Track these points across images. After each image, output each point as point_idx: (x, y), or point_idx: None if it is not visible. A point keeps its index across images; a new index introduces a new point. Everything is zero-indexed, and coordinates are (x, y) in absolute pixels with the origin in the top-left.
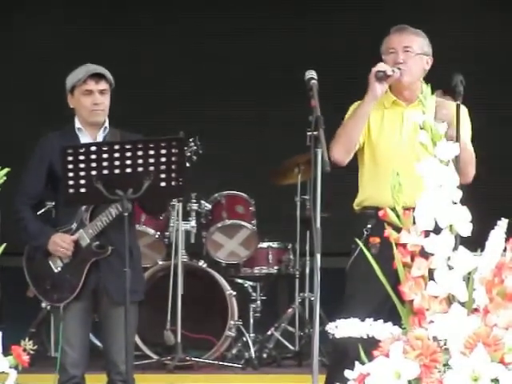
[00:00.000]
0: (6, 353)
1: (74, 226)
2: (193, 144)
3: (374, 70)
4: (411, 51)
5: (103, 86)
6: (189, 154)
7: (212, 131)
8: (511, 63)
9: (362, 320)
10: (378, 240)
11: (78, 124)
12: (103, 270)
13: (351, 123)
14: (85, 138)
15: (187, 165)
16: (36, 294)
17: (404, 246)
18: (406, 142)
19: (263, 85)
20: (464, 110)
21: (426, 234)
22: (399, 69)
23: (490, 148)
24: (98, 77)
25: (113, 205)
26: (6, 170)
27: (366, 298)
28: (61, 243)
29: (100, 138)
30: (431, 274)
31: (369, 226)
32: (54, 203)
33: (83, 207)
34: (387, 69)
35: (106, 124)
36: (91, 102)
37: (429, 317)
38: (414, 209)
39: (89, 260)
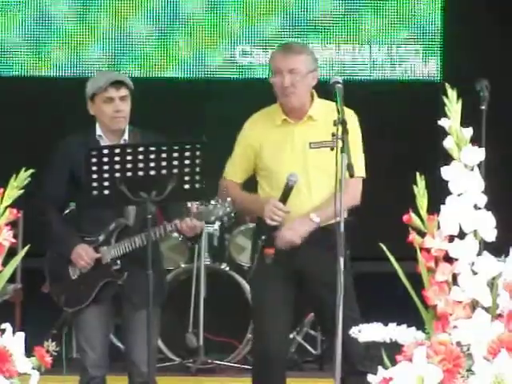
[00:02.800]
0: (29, 354)
1: (102, 238)
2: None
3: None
4: (297, 73)
5: (124, 92)
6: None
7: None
8: None
9: (270, 332)
10: (272, 251)
11: (98, 131)
12: (125, 279)
13: (248, 211)
14: (105, 144)
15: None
16: (50, 292)
17: (428, 250)
18: (296, 159)
19: None
20: (353, 117)
21: (451, 239)
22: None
23: None
24: (118, 84)
25: (139, 234)
26: (30, 171)
27: (269, 310)
28: (83, 257)
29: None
30: (455, 280)
31: (263, 237)
32: (76, 205)
33: (113, 225)
34: (279, 219)
35: (126, 134)
36: (113, 110)
37: (452, 322)
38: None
39: (103, 279)
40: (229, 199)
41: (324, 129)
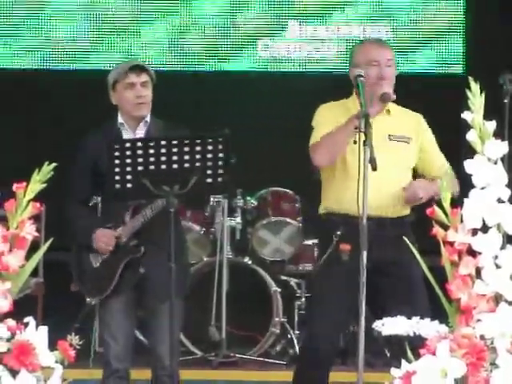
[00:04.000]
0: (52, 347)
1: (115, 223)
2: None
3: (381, 91)
4: (392, 65)
5: (144, 78)
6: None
7: (261, 128)
8: None
9: (338, 324)
10: (348, 247)
11: (120, 119)
12: (146, 267)
13: (341, 135)
14: (126, 132)
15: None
16: (78, 287)
17: (451, 244)
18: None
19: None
20: (421, 119)
21: (474, 232)
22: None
23: None
24: (139, 69)
25: (148, 206)
26: (54, 164)
27: (339, 302)
28: (102, 238)
29: (141, 132)
30: (479, 273)
31: (338, 232)
32: (101, 199)
33: (126, 205)
34: (390, 90)
35: (148, 118)
36: (134, 95)
37: (476, 315)
38: (377, 217)
39: (124, 258)
40: None
41: (402, 126)
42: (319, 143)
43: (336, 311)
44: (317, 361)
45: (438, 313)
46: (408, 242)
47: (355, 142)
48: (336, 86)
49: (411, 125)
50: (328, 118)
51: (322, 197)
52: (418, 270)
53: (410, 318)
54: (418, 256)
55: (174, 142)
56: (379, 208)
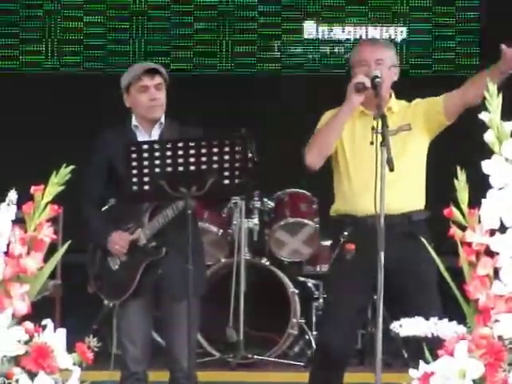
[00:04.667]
0: (70, 350)
1: (133, 225)
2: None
3: (354, 81)
4: (383, 64)
5: (158, 80)
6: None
7: (279, 129)
8: None
9: (347, 324)
10: (353, 247)
11: (134, 122)
12: (164, 268)
13: (326, 131)
14: (141, 134)
15: (249, 165)
16: (95, 289)
17: (469, 244)
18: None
19: None
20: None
21: (492, 233)
22: (378, 77)
23: None
24: (152, 72)
25: (169, 206)
26: (71, 167)
27: (348, 302)
28: (118, 241)
29: (155, 134)
30: (497, 274)
31: (345, 233)
32: (116, 200)
33: (143, 207)
34: (366, 80)
35: (162, 120)
36: (148, 98)
37: (494, 316)
38: (388, 216)
39: (144, 260)
40: None
41: (402, 119)
42: (310, 143)
43: (346, 311)
44: (329, 361)
45: (456, 313)
46: (424, 240)
47: (372, 143)
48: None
49: (405, 112)
50: (327, 121)
51: (335, 199)
52: (430, 268)
53: (421, 316)
54: (433, 254)
55: (191, 144)
56: (387, 205)
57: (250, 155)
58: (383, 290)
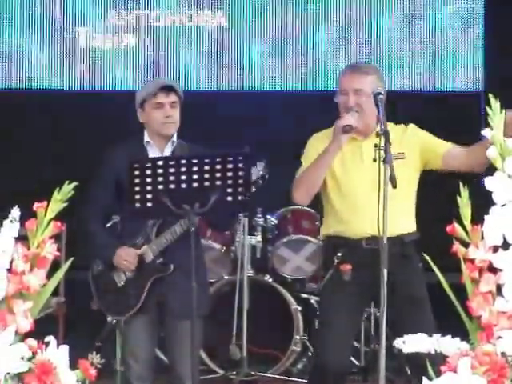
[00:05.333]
0: (73, 366)
1: (140, 240)
2: (261, 169)
3: (341, 124)
4: (362, 94)
5: (173, 98)
6: (255, 178)
7: (282, 146)
8: None
9: (340, 344)
10: (349, 267)
11: (146, 137)
12: (167, 286)
13: (314, 170)
14: (153, 151)
15: (253, 189)
16: (99, 306)
17: (472, 261)
18: (367, 175)
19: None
20: (408, 129)
21: (495, 249)
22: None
23: None
24: (167, 90)
25: (178, 222)
26: (74, 184)
27: (344, 323)
28: (125, 256)
29: (168, 151)
30: (499, 290)
31: (339, 254)
32: (120, 217)
33: (150, 223)
34: (352, 122)
35: (174, 138)
36: (163, 115)
37: (497, 332)
38: (377, 237)
39: (151, 276)
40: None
41: (398, 145)
42: (296, 182)
43: (343, 330)
44: (325, 379)
45: (458, 330)
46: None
47: (375, 160)
48: None
49: (401, 139)
50: (315, 150)
51: (323, 221)
52: (421, 289)
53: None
54: (437, 272)
55: (195, 161)
56: (377, 229)
57: (261, 173)
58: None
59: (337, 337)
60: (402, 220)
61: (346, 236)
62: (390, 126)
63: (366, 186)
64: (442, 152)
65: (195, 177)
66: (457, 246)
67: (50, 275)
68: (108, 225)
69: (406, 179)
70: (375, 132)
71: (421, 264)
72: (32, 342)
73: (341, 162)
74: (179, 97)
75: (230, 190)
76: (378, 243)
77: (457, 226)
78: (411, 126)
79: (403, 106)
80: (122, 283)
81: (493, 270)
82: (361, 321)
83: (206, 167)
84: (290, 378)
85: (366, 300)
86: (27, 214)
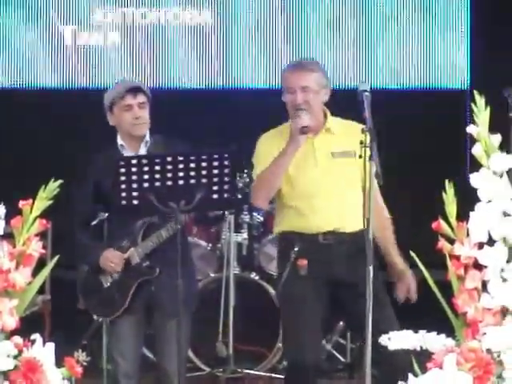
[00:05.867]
0: (59, 364)
1: (126, 243)
2: (246, 175)
3: (299, 125)
4: (309, 91)
5: (141, 99)
6: (241, 185)
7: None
8: None
9: (307, 341)
10: (305, 262)
11: (120, 141)
12: (156, 285)
13: (272, 174)
14: (127, 153)
15: (239, 196)
16: (85, 307)
17: (458, 258)
18: (321, 171)
19: None
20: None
21: (480, 246)
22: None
23: None
24: (135, 91)
25: (164, 227)
26: (59, 181)
27: (307, 317)
28: (111, 259)
29: (142, 152)
30: (485, 287)
31: (295, 249)
32: (106, 219)
33: (137, 226)
34: (310, 123)
35: (147, 137)
36: (132, 117)
37: (482, 329)
38: (334, 232)
39: (137, 279)
40: None
41: (344, 141)
42: (255, 186)
43: (308, 326)
44: (302, 377)
45: (444, 327)
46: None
47: (360, 157)
48: (336, 101)
49: (354, 136)
50: (266, 152)
51: (275, 219)
52: (378, 285)
53: (381, 331)
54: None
55: (180, 158)
56: (335, 223)
57: (245, 174)
58: (337, 304)
59: (303, 334)
60: (359, 216)
61: (302, 231)
62: (341, 122)
63: (320, 183)
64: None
65: (181, 174)
66: (442, 243)
67: (35, 273)
68: (94, 222)
69: (354, 176)
70: (324, 128)
71: (377, 262)
72: (18, 339)
73: (294, 160)
74: (147, 96)
75: (215, 188)
76: (334, 238)
77: (442, 222)
78: (361, 127)
79: (389, 104)
80: (108, 285)
81: (478, 266)
82: (325, 313)
83: (192, 165)
84: (276, 375)
85: (324, 295)
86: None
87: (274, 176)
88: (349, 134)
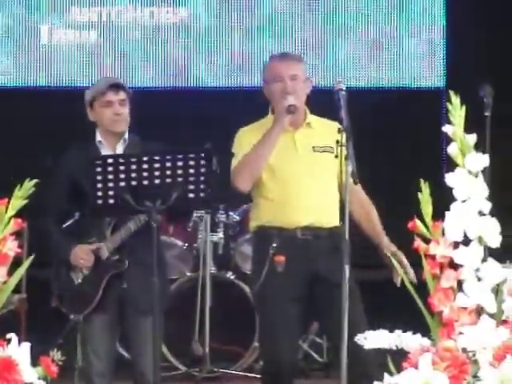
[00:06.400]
0: (34, 363)
1: (95, 239)
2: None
3: (286, 104)
4: (298, 79)
5: (122, 96)
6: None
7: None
8: None
9: (289, 337)
10: (283, 258)
11: (98, 137)
12: (128, 281)
13: (257, 154)
14: (105, 150)
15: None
16: (57, 304)
17: (433, 257)
18: (302, 164)
19: None
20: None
21: (455, 245)
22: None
23: None
24: (116, 87)
25: (132, 219)
26: (35, 181)
27: (286, 315)
28: (81, 255)
29: (120, 150)
30: (460, 286)
31: (274, 245)
32: (79, 216)
33: (105, 221)
34: (297, 103)
35: (126, 136)
36: (112, 113)
37: (458, 328)
38: (312, 228)
39: (107, 273)
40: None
41: (324, 137)
42: (238, 167)
43: (285, 324)
44: (279, 376)
45: (419, 326)
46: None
47: (336, 157)
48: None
49: (332, 134)
50: (248, 141)
51: (251, 213)
52: (352, 281)
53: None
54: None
55: (156, 158)
56: (313, 217)
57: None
58: (311, 300)
59: (279, 333)
60: (335, 212)
61: (281, 226)
62: (321, 120)
63: (301, 176)
64: (339, 175)
65: (157, 173)
66: (418, 243)
67: (11, 272)
68: (69, 222)
69: (333, 171)
70: (305, 122)
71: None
72: None
73: (275, 152)
74: (128, 93)
75: (191, 187)
76: (313, 234)
77: (418, 222)
78: (338, 126)
79: (365, 103)
80: (80, 281)
81: (454, 266)
82: (304, 311)
83: (168, 164)
84: (252, 375)
85: (303, 292)
86: None
87: (258, 157)
88: (327, 131)
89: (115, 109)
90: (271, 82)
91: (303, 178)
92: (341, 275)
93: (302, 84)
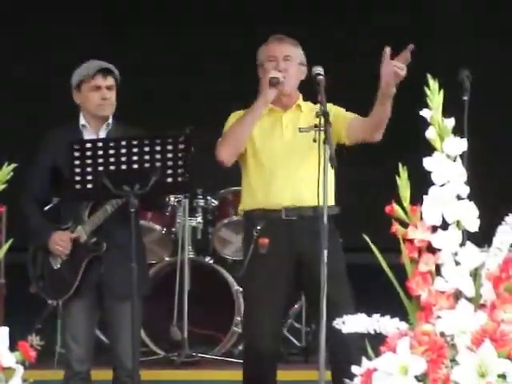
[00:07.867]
0: (12, 348)
1: (72, 224)
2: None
3: (268, 76)
4: (291, 60)
5: (110, 81)
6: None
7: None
8: None
9: (272, 321)
10: (267, 241)
11: (82, 121)
12: (106, 266)
13: (240, 126)
14: (88, 134)
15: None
16: (36, 290)
17: (411, 241)
18: (288, 146)
19: None
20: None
21: (434, 229)
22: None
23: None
24: (105, 72)
25: (108, 202)
26: (13, 165)
27: (270, 299)
28: (59, 242)
29: (102, 134)
30: (438, 270)
31: (258, 227)
32: (58, 201)
33: (83, 204)
34: (280, 76)
35: (110, 120)
36: (99, 97)
37: (436, 312)
38: (296, 208)
39: (86, 257)
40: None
41: (310, 118)
42: (222, 139)
43: (269, 308)
44: (261, 360)
45: (397, 310)
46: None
47: (315, 141)
48: None
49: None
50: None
51: (241, 196)
52: (341, 262)
53: (337, 311)
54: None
55: (134, 142)
56: (295, 196)
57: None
58: (299, 283)
59: (262, 316)
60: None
61: (264, 207)
62: (312, 105)
63: (286, 157)
64: (347, 124)
65: (135, 158)
66: (396, 227)
67: None
68: (47, 207)
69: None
70: (295, 104)
71: (341, 240)
72: None
73: (261, 132)
74: (116, 80)
75: (169, 171)
76: (297, 214)
77: (396, 206)
78: (329, 104)
79: (342, 86)
80: (58, 266)
81: (432, 250)
82: (288, 295)
83: (146, 148)
84: (231, 359)
85: (288, 273)
86: None
87: (241, 128)
88: (314, 113)
89: (102, 93)
90: (265, 62)
91: (286, 158)
92: (328, 258)
93: (296, 67)
